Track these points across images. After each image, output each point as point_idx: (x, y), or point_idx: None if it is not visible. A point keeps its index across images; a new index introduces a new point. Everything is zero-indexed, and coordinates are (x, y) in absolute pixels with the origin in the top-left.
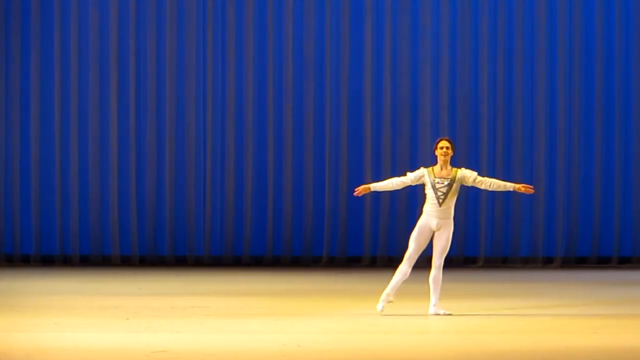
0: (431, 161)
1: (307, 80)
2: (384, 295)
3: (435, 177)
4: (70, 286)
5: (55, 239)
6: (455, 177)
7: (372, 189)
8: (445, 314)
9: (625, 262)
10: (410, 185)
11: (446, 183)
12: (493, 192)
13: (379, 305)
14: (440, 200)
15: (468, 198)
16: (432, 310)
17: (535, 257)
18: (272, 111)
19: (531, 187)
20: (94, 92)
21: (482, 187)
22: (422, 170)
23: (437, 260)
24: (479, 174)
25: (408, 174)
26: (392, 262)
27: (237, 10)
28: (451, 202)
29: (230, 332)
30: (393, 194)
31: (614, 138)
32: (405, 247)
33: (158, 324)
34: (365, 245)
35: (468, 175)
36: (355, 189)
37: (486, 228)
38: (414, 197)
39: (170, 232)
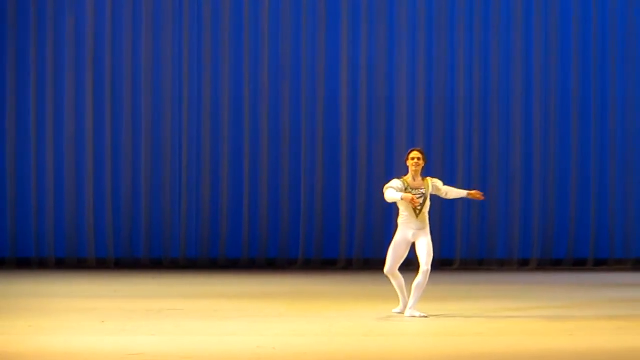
0: (405, 166)
1: (283, 83)
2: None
3: (411, 189)
4: (45, 289)
5: (31, 241)
6: (428, 187)
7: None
8: (421, 316)
9: (601, 264)
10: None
11: (421, 194)
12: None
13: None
14: (418, 212)
15: (443, 200)
16: (408, 312)
17: (511, 259)
18: (248, 114)
19: (481, 193)
20: (69, 95)
21: (443, 196)
22: (398, 181)
23: (425, 266)
24: (444, 183)
25: (389, 188)
26: (367, 265)
27: (214, 14)
28: (426, 211)
29: (205, 335)
30: (369, 196)
31: (590, 140)
32: (380, 249)
33: (134, 326)
34: (341, 247)
35: (436, 185)
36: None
37: (462, 230)
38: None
39: (145, 234)
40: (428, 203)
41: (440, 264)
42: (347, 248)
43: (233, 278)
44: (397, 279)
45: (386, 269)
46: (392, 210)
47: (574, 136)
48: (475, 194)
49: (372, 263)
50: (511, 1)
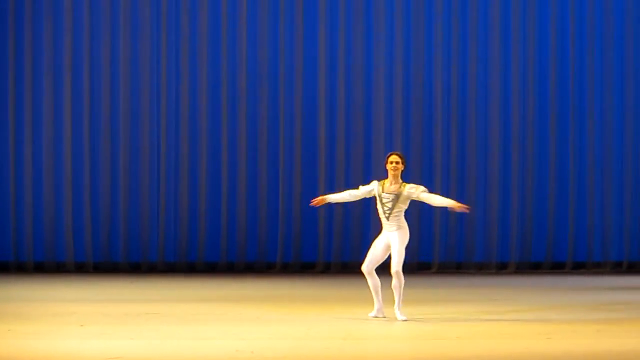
0: (383, 169)
1: (261, 87)
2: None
3: (383, 192)
4: (24, 293)
5: (9, 245)
6: (401, 192)
7: (327, 201)
8: (401, 320)
9: (579, 267)
10: (355, 197)
11: (392, 198)
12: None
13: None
14: (387, 215)
15: (421, 205)
16: (396, 313)
17: (489, 263)
18: (226, 118)
19: (467, 206)
20: (48, 100)
21: (425, 201)
22: (373, 184)
23: (394, 267)
24: (427, 189)
25: (360, 187)
26: (345, 268)
27: (191, 18)
28: (397, 215)
29: (184, 339)
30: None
31: (568, 144)
32: (358, 253)
33: (112, 330)
34: (319, 251)
35: (414, 191)
36: (312, 200)
37: (440, 234)
38: (367, 204)
39: (124, 238)
40: (399, 208)
41: (419, 268)
42: (325, 252)
43: (211, 282)
44: (372, 279)
45: (363, 267)
46: (370, 214)
47: (552, 140)
48: (459, 207)
49: (350, 267)
50: (489, 4)
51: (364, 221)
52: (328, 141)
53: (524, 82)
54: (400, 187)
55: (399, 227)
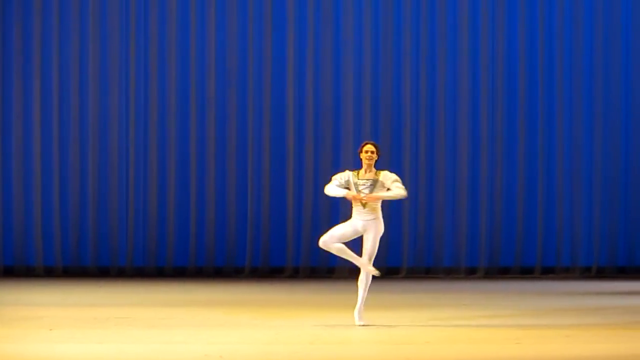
0: (354, 167)
1: (230, 91)
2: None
3: (359, 179)
4: None
5: None
6: (378, 179)
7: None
8: (359, 325)
9: (548, 272)
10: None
11: (369, 184)
12: (415, 203)
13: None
14: (363, 203)
15: (391, 208)
16: (355, 313)
17: (458, 268)
18: (195, 121)
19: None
20: (17, 104)
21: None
22: (347, 173)
23: (365, 260)
24: (399, 180)
25: (332, 178)
26: (314, 273)
27: (160, 20)
28: (375, 202)
29: (153, 343)
30: (316, 204)
31: (537, 149)
32: (327, 258)
33: (81, 334)
34: (288, 256)
35: (388, 177)
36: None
37: (409, 238)
38: (336, 208)
39: (93, 243)
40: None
41: (387, 272)
42: (294, 256)
43: (180, 286)
44: (333, 248)
45: (321, 241)
46: (337, 219)
47: (521, 144)
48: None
49: (319, 271)
50: (457, 6)
51: (332, 226)
52: (296, 145)
53: (492, 86)
54: (375, 174)
55: (376, 218)
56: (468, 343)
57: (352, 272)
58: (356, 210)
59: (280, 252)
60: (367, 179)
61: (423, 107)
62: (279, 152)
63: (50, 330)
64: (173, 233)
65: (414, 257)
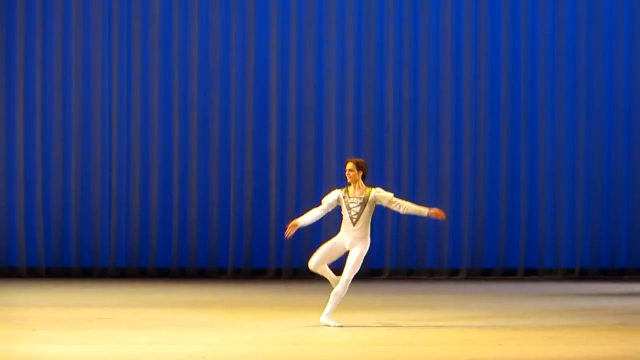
0: (335, 174)
1: (212, 93)
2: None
3: (350, 197)
4: None
5: None
6: (368, 197)
7: (299, 225)
8: (335, 326)
9: (530, 273)
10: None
11: (359, 202)
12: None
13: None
14: (354, 220)
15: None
16: (323, 318)
17: (440, 269)
18: (177, 122)
19: (443, 212)
20: (0, 104)
21: (397, 209)
22: (337, 192)
23: (346, 275)
24: (395, 195)
25: (323, 200)
26: (297, 274)
27: (142, 20)
28: (365, 221)
29: (136, 344)
30: (298, 206)
31: (520, 149)
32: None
33: (64, 335)
34: (270, 257)
35: (382, 196)
36: (286, 232)
37: (391, 240)
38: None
39: (76, 243)
40: (367, 214)
41: (370, 274)
42: (277, 257)
43: (163, 287)
44: (322, 272)
45: (311, 264)
46: (320, 220)
47: (504, 146)
48: (436, 212)
49: (302, 272)
50: (440, 10)
51: (315, 227)
52: (279, 146)
53: (475, 88)
54: (364, 191)
55: (364, 237)
56: (450, 344)
57: (337, 273)
58: (346, 227)
59: (262, 254)
60: (358, 197)
61: (406, 109)
62: (261, 153)
63: (34, 330)
64: (156, 234)
65: (396, 259)
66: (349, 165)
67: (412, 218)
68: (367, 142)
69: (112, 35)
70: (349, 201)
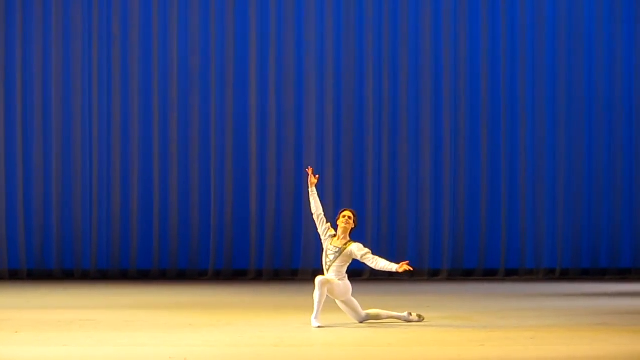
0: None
1: (192, 95)
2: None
3: (331, 245)
4: None
5: None
6: (345, 249)
7: (310, 191)
8: (317, 327)
9: (512, 274)
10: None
11: (335, 252)
12: (378, 205)
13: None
14: (327, 267)
15: (353, 209)
16: (314, 323)
17: (421, 270)
18: (157, 125)
19: (408, 265)
20: None
21: (368, 264)
22: (330, 232)
23: (323, 278)
24: (371, 252)
25: (327, 224)
26: (277, 275)
27: (122, 23)
28: (337, 269)
29: (117, 345)
30: (278, 207)
31: (500, 151)
32: (289, 260)
33: (46, 337)
34: (251, 258)
35: (356, 251)
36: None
37: (372, 241)
38: (299, 210)
39: (57, 246)
40: (340, 265)
41: (351, 275)
42: (257, 259)
43: (144, 289)
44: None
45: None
46: (300, 222)
47: (484, 146)
48: (405, 266)
49: (282, 274)
50: (419, 9)
51: (295, 228)
52: (259, 148)
53: (455, 87)
54: (346, 244)
55: (340, 280)
56: (431, 345)
57: (317, 273)
58: (323, 270)
59: (243, 255)
60: (337, 247)
61: (385, 109)
62: (241, 155)
63: (16, 332)
64: (137, 236)
65: None
66: (348, 212)
67: (393, 219)
68: (346, 143)
69: (91, 36)
70: (329, 247)
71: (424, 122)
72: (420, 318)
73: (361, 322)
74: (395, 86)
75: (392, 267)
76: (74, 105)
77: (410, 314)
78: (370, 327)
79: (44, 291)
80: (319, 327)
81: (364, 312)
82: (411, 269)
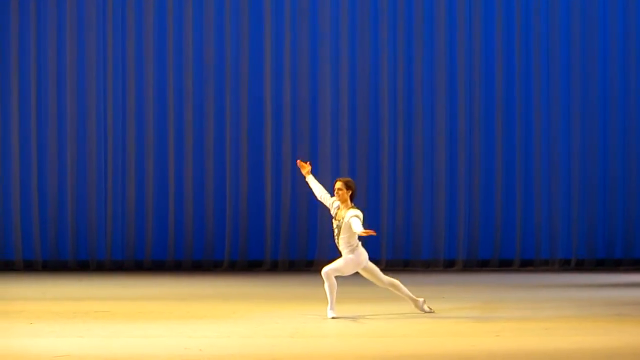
0: (330, 168)
1: (207, 86)
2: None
3: (335, 219)
4: None
5: None
6: (342, 219)
7: (307, 178)
8: (332, 317)
9: (527, 264)
10: (321, 198)
11: (336, 224)
12: (394, 196)
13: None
14: (335, 236)
15: (369, 201)
16: (330, 314)
17: (436, 260)
18: (173, 115)
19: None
20: None
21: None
22: (336, 204)
23: (325, 268)
24: (357, 216)
25: (332, 198)
26: (292, 266)
27: (137, 14)
28: (345, 241)
29: (132, 337)
30: (294, 198)
31: (515, 142)
32: (305, 251)
33: (61, 328)
34: (266, 249)
35: (347, 219)
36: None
37: (387, 231)
38: (314, 201)
39: (72, 236)
40: (344, 232)
41: None
42: (273, 250)
43: (159, 280)
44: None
45: (326, 270)
46: (316, 212)
47: (499, 137)
48: (370, 232)
49: (298, 265)
50: (434, 4)
51: (311, 219)
52: (274, 139)
53: (470, 80)
54: (345, 212)
55: (349, 248)
56: (447, 336)
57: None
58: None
59: (258, 246)
60: (339, 220)
61: (400, 101)
62: (256, 146)
63: (31, 324)
64: (152, 227)
65: (392, 250)
66: (337, 184)
67: (409, 210)
68: (362, 134)
69: (106, 32)
70: (333, 221)
71: (439, 114)
72: (431, 310)
73: (383, 288)
74: (410, 79)
75: (359, 229)
76: (88, 98)
77: (424, 301)
78: (386, 318)
79: (59, 282)
80: (334, 317)
81: (385, 278)
82: (374, 233)
